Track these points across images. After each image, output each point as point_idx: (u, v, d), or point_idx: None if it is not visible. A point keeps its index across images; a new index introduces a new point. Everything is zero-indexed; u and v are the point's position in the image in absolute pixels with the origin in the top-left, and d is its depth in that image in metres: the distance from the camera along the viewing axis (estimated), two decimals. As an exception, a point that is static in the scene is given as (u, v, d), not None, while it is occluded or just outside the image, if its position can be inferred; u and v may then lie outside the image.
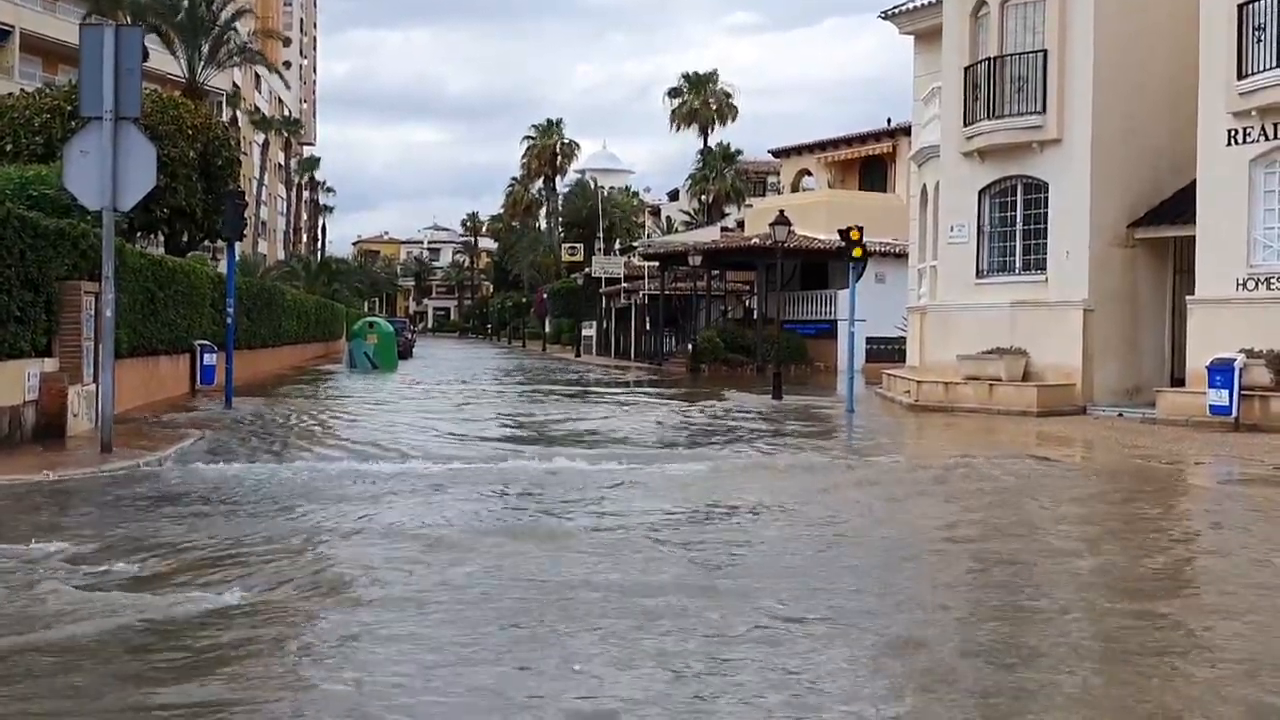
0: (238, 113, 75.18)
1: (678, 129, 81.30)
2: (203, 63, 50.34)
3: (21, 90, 32.71)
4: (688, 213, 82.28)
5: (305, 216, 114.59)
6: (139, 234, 30.30)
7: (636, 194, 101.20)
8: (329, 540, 9.67)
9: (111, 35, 14.62)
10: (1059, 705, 5.76)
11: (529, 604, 7.51)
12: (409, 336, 63.27)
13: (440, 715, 5.58)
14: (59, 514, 10.70)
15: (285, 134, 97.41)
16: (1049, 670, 6.31)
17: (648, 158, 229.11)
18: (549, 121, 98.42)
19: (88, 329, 17.42)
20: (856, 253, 24.10)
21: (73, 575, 8.02)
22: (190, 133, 29.60)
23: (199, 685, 5.84)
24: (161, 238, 32.23)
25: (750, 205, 60.74)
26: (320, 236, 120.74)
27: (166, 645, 6.53)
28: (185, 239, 32.08)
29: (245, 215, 25.01)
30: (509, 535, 9.98)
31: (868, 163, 54.75)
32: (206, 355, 25.99)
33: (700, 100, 79.22)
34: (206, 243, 39.78)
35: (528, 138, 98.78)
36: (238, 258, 26.73)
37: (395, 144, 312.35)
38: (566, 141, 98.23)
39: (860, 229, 24.47)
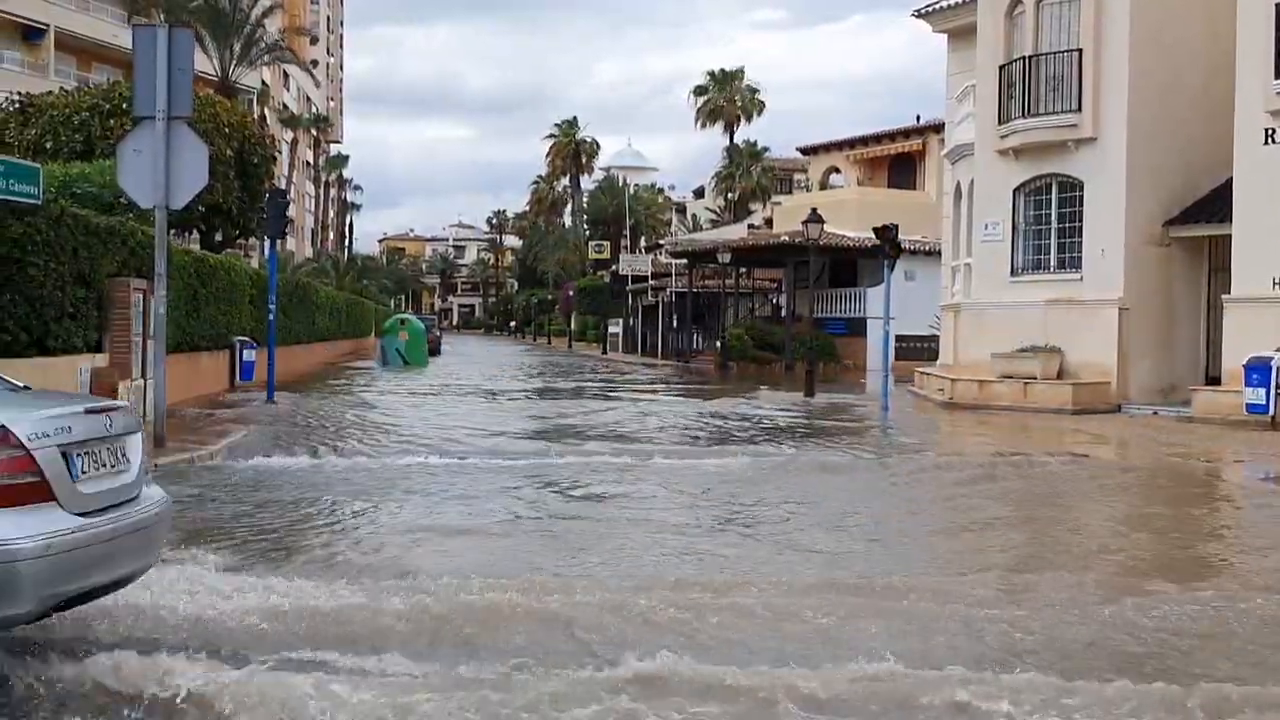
0: (266, 110, 75.57)
1: (703, 126, 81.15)
2: (234, 60, 50.65)
3: (61, 88, 33.02)
4: (713, 210, 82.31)
5: (333, 214, 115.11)
6: (173, 231, 30.56)
7: (661, 191, 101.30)
8: (395, 531, 9.89)
9: (164, 36, 14.79)
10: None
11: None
12: (437, 334, 63.69)
13: None
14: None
15: (313, 132, 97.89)
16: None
17: (669, 154, 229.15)
18: (573, 119, 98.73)
19: (137, 325, 17.68)
20: (895, 251, 24.15)
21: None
22: (227, 131, 29.81)
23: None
24: (197, 235, 32.54)
25: (778, 203, 60.73)
26: (347, 234, 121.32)
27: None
28: (220, 237, 32.37)
29: (287, 214, 25.24)
30: (562, 529, 10.15)
31: (897, 160, 54.70)
32: (246, 351, 26.27)
33: (726, 97, 79.12)
34: (240, 240, 40.15)
35: (551, 135, 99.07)
36: (269, 255, 26.96)
37: (416, 140, 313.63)
38: (589, 140, 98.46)
39: (896, 227, 24.55)
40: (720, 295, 53.53)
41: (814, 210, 32.31)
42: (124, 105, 27.05)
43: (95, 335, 16.84)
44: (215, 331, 24.77)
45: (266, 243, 26.85)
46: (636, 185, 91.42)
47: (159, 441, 14.78)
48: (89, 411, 5.90)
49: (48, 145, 27.27)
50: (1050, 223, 25.82)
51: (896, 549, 9.77)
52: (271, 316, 23.99)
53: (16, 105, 29.36)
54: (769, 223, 60.16)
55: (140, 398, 17.67)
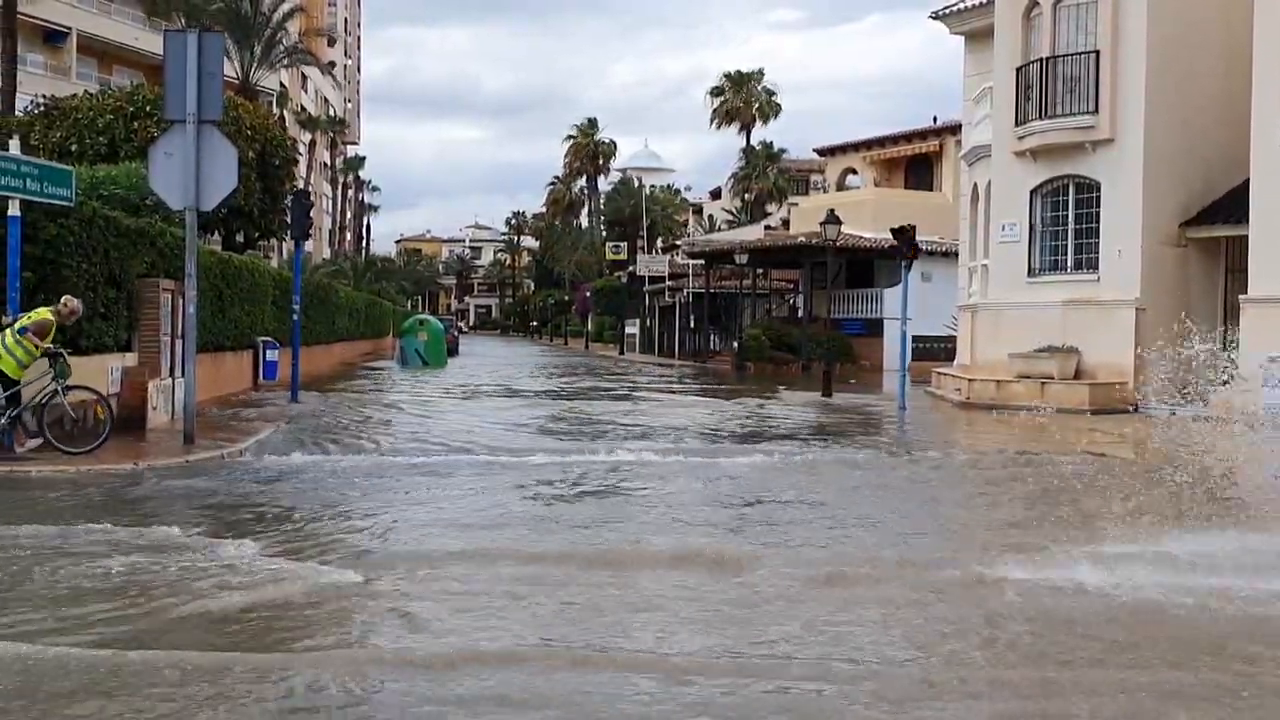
0: (284, 112, 75.86)
1: (719, 127, 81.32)
2: (255, 63, 50.92)
3: (85, 91, 33.37)
4: (730, 211, 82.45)
5: (350, 215, 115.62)
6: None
7: (678, 192, 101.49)
8: (420, 524, 10.12)
9: (194, 41, 15.07)
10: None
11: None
12: (455, 334, 64.01)
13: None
14: (160, 500, 11.18)
15: (331, 133, 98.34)
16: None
17: (684, 155, 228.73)
18: (593, 120, 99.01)
19: (165, 325, 17.96)
20: (912, 252, 24.29)
21: (196, 556, 8.46)
22: (249, 133, 30.11)
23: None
24: (219, 236, 32.86)
25: (795, 204, 60.86)
26: (364, 235, 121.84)
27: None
28: (241, 238, 32.68)
29: (311, 215, 25.53)
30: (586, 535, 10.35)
31: (914, 161, 54.79)
32: (269, 351, 26.55)
33: (743, 99, 79.24)
34: (261, 241, 40.50)
35: (570, 136, 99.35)
36: (287, 256, 27.27)
37: (431, 141, 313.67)
38: (607, 141, 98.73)
39: (914, 228, 24.70)
40: (737, 296, 53.68)
41: (831, 211, 32.49)
42: (148, 108, 27.40)
43: (125, 335, 17.13)
44: (239, 331, 25.05)
45: (287, 244, 27.19)
46: (653, 186, 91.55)
47: (188, 439, 15.04)
48: None
49: (73, 148, 27.58)
50: (1067, 224, 25.94)
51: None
52: (296, 317, 24.26)
53: (41, 108, 29.73)
54: (786, 224, 60.31)
55: (169, 396, 17.96)
